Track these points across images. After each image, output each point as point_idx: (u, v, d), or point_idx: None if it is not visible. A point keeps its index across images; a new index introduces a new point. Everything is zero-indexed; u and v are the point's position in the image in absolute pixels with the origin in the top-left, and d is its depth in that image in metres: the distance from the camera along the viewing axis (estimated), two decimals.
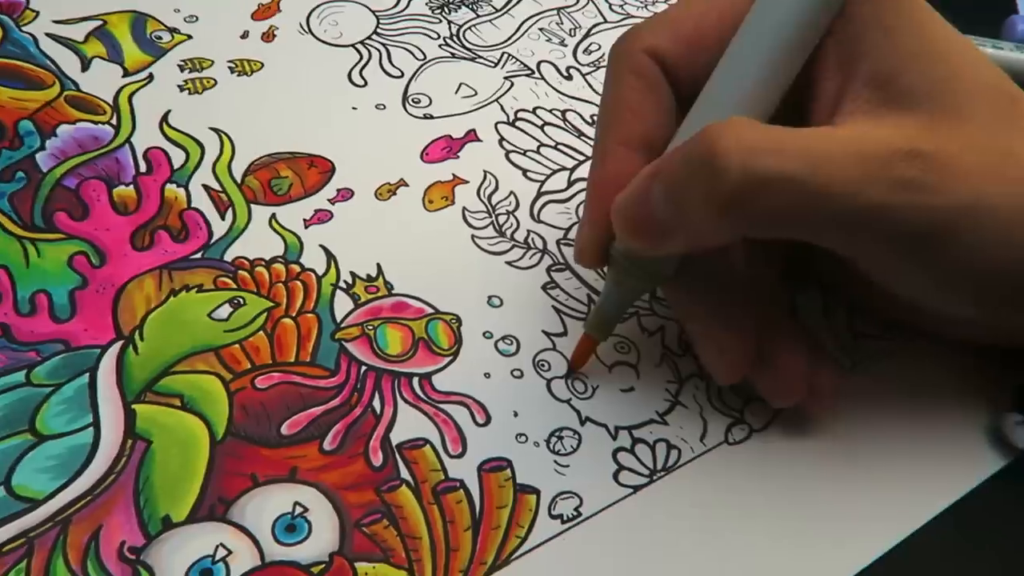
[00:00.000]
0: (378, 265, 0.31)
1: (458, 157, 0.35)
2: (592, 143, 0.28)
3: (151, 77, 0.36)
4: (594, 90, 0.38)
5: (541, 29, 0.41)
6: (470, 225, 0.33)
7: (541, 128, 0.36)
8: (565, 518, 0.26)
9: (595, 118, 0.36)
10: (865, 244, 0.23)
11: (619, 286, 0.27)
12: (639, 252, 0.26)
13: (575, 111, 0.37)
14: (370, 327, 0.29)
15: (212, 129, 0.34)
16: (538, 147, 0.36)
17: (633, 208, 0.25)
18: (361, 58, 0.38)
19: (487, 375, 0.29)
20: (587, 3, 0.42)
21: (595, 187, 0.27)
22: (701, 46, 0.26)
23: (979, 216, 0.22)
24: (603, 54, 0.39)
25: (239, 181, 0.33)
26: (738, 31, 0.25)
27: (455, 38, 0.40)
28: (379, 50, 0.39)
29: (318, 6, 0.40)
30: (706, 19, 0.27)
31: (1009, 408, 0.28)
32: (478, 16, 0.41)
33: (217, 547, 0.24)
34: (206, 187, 0.32)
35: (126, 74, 0.36)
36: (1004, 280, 0.23)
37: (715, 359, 0.27)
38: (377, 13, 0.40)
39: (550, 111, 0.37)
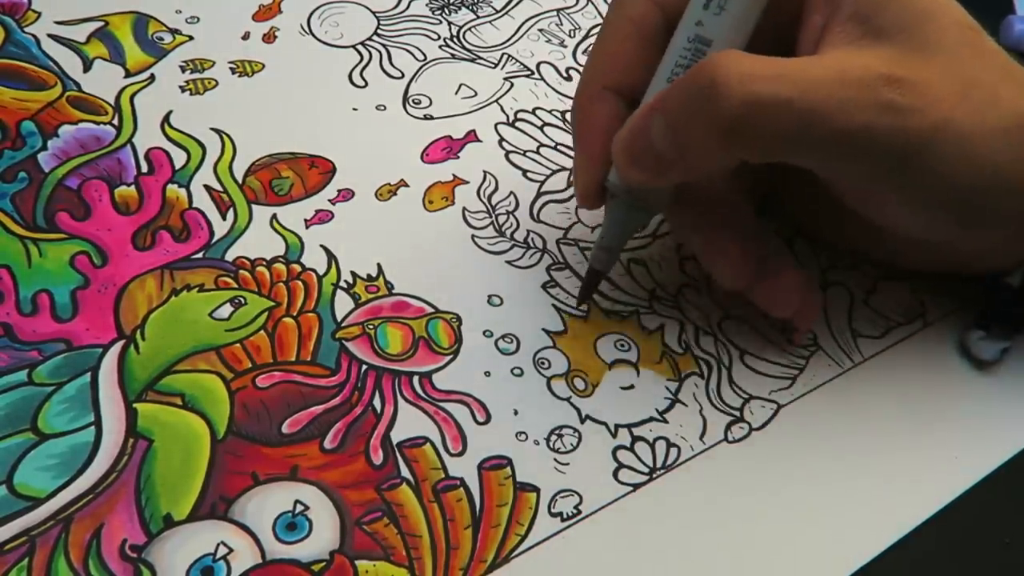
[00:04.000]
0: (378, 265, 0.31)
1: (458, 157, 0.35)
2: (578, 84, 0.29)
3: (152, 78, 0.36)
4: None
5: (541, 30, 0.41)
6: (470, 225, 0.33)
7: (541, 129, 0.36)
8: (565, 516, 0.26)
9: None
10: (849, 165, 0.25)
11: (619, 218, 0.28)
12: (640, 184, 0.27)
13: None
14: (370, 326, 0.29)
15: (213, 130, 0.34)
16: (538, 147, 0.36)
17: (634, 142, 0.26)
18: (362, 59, 0.38)
19: (487, 374, 0.29)
20: (586, 4, 0.42)
21: (583, 128, 0.28)
22: None
23: (947, 136, 0.24)
24: None
25: (240, 181, 0.33)
26: None
27: (455, 39, 0.40)
28: (379, 51, 0.39)
29: (319, 7, 0.40)
30: None
31: (972, 327, 0.31)
32: (478, 17, 0.41)
33: (218, 545, 0.24)
34: (207, 187, 0.33)
35: (128, 75, 0.36)
36: (973, 197, 0.25)
37: (721, 264, 0.28)
38: (378, 14, 0.40)
39: (550, 112, 0.37)
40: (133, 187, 0.32)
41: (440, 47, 0.39)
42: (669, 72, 0.26)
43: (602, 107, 0.28)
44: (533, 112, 0.37)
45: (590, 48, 0.29)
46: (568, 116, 0.37)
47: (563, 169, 0.35)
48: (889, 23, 0.25)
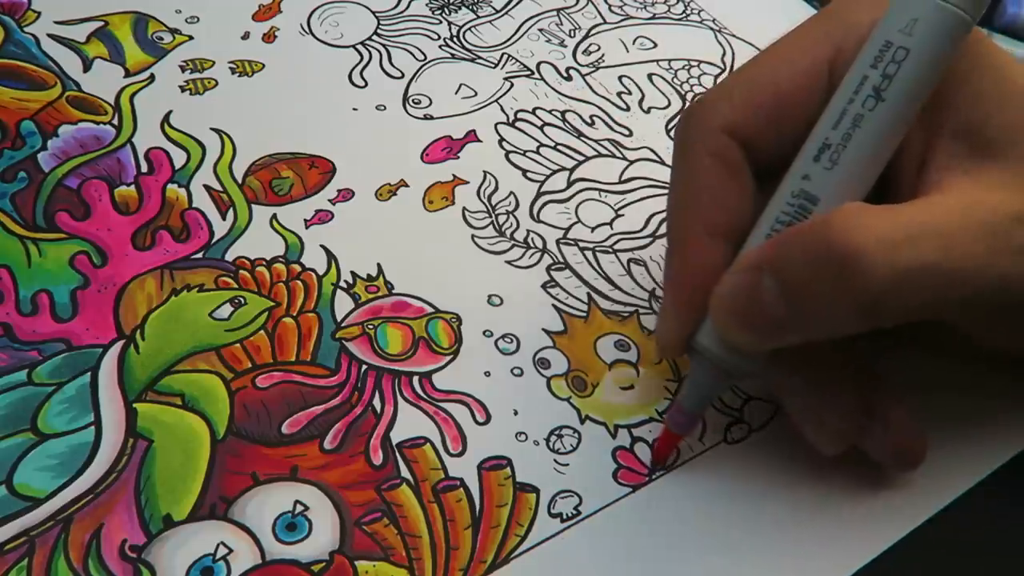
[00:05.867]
0: (378, 265, 0.31)
1: (458, 157, 0.35)
2: (667, 226, 0.27)
3: (152, 78, 0.36)
4: (593, 91, 0.38)
5: (541, 30, 0.41)
6: (470, 225, 0.33)
7: (541, 128, 0.36)
8: (565, 517, 0.26)
9: (594, 118, 0.37)
10: (985, 313, 0.23)
11: (702, 383, 0.26)
12: (745, 347, 0.24)
13: (574, 112, 0.37)
14: (370, 326, 0.29)
15: (213, 129, 0.34)
16: (538, 147, 0.36)
17: (740, 304, 0.23)
18: (362, 59, 0.38)
19: (487, 374, 0.29)
20: (586, 4, 0.42)
21: (678, 277, 0.25)
22: (780, 115, 0.25)
23: None
24: (602, 55, 0.40)
25: (240, 181, 0.33)
26: (834, 100, 0.23)
27: (455, 39, 0.40)
28: (379, 51, 0.39)
29: (319, 7, 0.40)
30: (783, 85, 0.25)
31: None
32: (478, 17, 0.41)
33: (218, 545, 0.24)
34: (207, 187, 0.33)
35: (127, 75, 0.36)
36: None
37: (819, 433, 0.26)
38: (377, 14, 0.40)
39: (550, 112, 0.37)
40: (133, 187, 0.32)
41: (440, 47, 0.39)
42: (769, 228, 0.24)
43: (698, 250, 0.25)
44: (533, 112, 0.37)
45: (671, 182, 0.26)
46: (567, 116, 0.37)
47: (563, 169, 0.35)
48: (999, 137, 0.23)
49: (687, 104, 0.38)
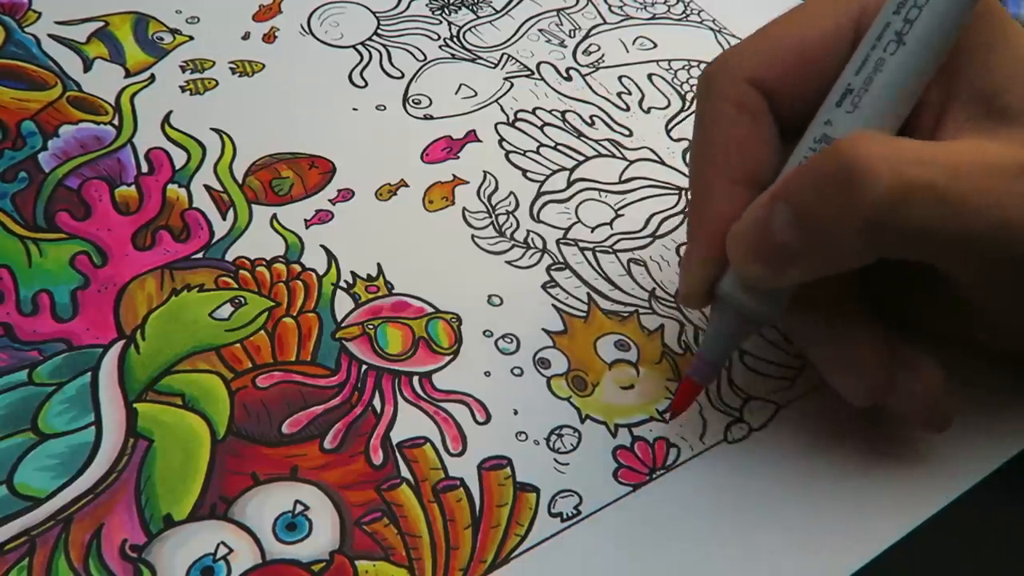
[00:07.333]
0: (378, 265, 0.31)
1: (458, 158, 0.35)
2: (689, 177, 0.27)
3: (153, 78, 0.36)
4: (593, 91, 0.38)
5: (541, 30, 0.41)
6: (470, 225, 0.33)
7: (541, 129, 0.36)
8: (565, 516, 0.26)
9: (594, 119, 0.37)
10: (986, 262, 0.23)
11: (724, 331, 0.26)
12: (758, 281, 0.24)
13: (575, 112, 0.37)
14: (370, 326, 0.29)
15: (213, 130, 0.34)
16: (538, 147, 0.36)
17: (754, 234, 0.24)
18: (362, 59, 0.38)
19: (487, 374, 0.29)
20: (586, 4, 0.42)
21: (703, 225, 0.25)
22: (805, 71, 0.25)
23: None
24: (602, 55, 0.40)
25: (240, 181, 0.33)
26: (859, 47, 0.24)
27: (455, 39, 0.40)
28: (379, 51, 0.39)
29: (319, 7, 0.40)
30: (808, 41, 0.25)
31: None
32: (478, 17, 0.41)
33: (218, 545, 0.24)
34: (207, 187, 0.33)
35: (128, 75, 0.36)
36: None
37: (848, 379, 0.26)
38: (378, 14, 0.40)
39: (550, 112, 0.37)
40: (133, 187, 0.32)
41: (440, 47, 0.39)
42: None
43: (722, 198, 0.25)
44: (533, 112, 0.37)
45: (694, 132, 0.27)
46: (567, 116, 0.37)
47: (563, 169, 0.35)
48: (1012, 104, 0.23)
49: (693, 103, 0.38)
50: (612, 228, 0.33)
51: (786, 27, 0.26)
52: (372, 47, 0.39)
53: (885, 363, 0.25)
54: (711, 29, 0.41)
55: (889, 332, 0.26)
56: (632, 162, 0.35)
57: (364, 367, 0.28)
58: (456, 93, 0.37)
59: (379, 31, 0.40)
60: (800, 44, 0.25)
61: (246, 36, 0.38)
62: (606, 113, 0.37)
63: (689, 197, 0.26)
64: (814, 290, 0.25)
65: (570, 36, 0.41)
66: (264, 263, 0.31)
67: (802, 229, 0.22)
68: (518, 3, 0.42)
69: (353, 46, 0.39)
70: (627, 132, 0.36)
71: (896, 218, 0.21)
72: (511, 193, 0.34)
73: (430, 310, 0.30)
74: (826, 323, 0.26)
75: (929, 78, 0.24)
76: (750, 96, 0.25)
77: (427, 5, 0.41)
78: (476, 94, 0.37)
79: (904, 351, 0.26)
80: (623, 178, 0.35)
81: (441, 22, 0.40)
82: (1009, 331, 0.26)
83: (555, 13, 0.42)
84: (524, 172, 0.35)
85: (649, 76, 0.39)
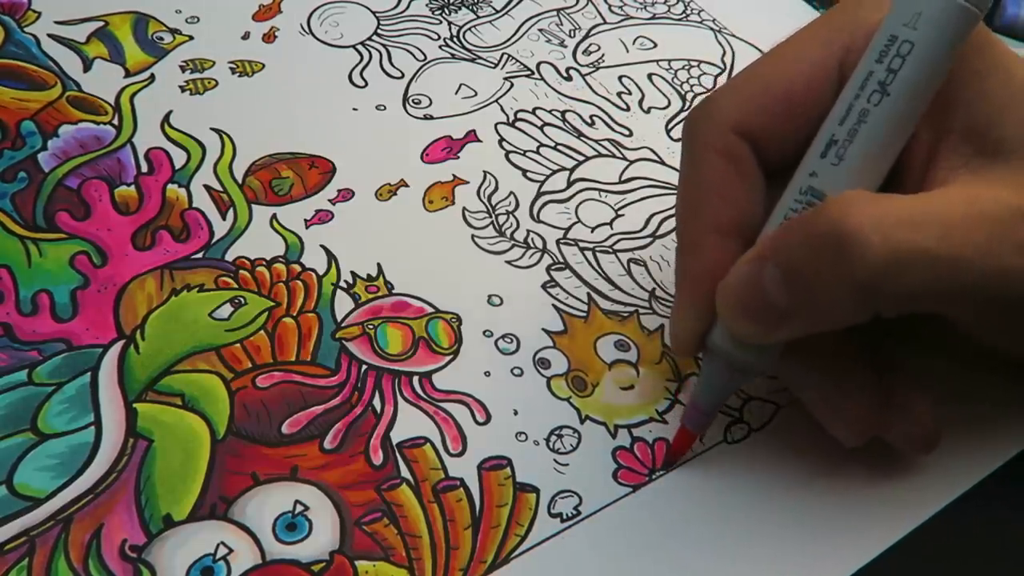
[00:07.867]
0: (378, 265, 0.31)
1: (458, 157, 0.35)
2: (676, 226, 0.27)
3: (152, 78, 0.36)
4: (593, 91, 0.38)
5: (541, 30, 0.41)
6: (470, 225, 0.33)
7: (541, 128, 0.36)
8: (564, 517, 0.26)
9: (594, 118, 0.37)
10: (984, 308, 0.23)
11: (715, 382, 0.26)
12: (749, 338, 0.24)
13: (574, 111, 0.37)
14: (370, 326, 0.29)
15: (213, 129, 0.34)
16: (538, 147, 0.36)
17: (744, 294, 0.23)
18: (362, 59, 0.38)
19: (487, 374, 0.29)
20: (586, 4, 0.42)
21: (690, 277, 0.25)
22: (790, 115, 0.25)
23: None
24: (602, 55, 0.40)
25: (240, 181, 0.33)
26: (841, 96, 0.23)
27: (455, 39, 0.40)
28: (379, 51, 0.39)
29: (319, 7, 0.40)
30: (793, 85, 0.25)
31: None
32: (478, 17, 0.41)
33: (218, 545, 0.24)
34: (207, 187, 0.33)
35: (127, 75, 0.36)
36: None
37: (839, 425, 0.26)
38: (378, 14, 0.40)
39: (550, 112, 0.37)
40: (133, 187, 0.32)
41: (440, 47, 0.39)
42: (778, 226, 0.24)
43: (708, 249, 0.25)
44: (533, 112, 0.37)
45: (680, 181, 0.26)
46: (567, 116, 0.37)
47: (563, 169, 0.35)
48: (1007, 137, 0.23)
49: (693, 103, 0.38)
50: (612, 228, 0.33)
51: (769, 69, 0.25)
52: (372, 47, 0.39)
53: (876, 409, 0.25)
54: (711, 29, 0.41)
55: (882, 373, 0.26)
56: (632, 162, 0.35)
57: (364, 367, 0.28)
58: (456, 93, 0.37)
59: (379, 31, 0.40)
60: (785, 89, 0.25)
61: (246, 36, 0.38)
62: (606, 113, 0.37)
63: (676, 246, 0.26)
64: (806, 336, 0.24)
65: (570, 36, 0.41)
66: (264, 263, 0.31)
67: (792, 291, 0.22)
68: (518, 3, 0.42)
69: (353, 46, 0.39)
70: (627, 132, 0.36)
71: (890, 283, 0.21)
72: (511, 193, 0.34)
73: (430, 310, 0.30)
74: (818, 370, 0.26)
75: (916, 123, 0.23)
76: (734, 144, 0.25)
77: (427, 5, 0.41)
78: (476, 94, 0.37)
79: (897, 394, 0.26)
80: (623, 178, 0.35)
81: (441, 22, 0.40)
82: (1007, 354, 0.26)
83: (555, 13, 0.42)
84: (524, 172, 0.35)
85: (649, 76, 0.39)
